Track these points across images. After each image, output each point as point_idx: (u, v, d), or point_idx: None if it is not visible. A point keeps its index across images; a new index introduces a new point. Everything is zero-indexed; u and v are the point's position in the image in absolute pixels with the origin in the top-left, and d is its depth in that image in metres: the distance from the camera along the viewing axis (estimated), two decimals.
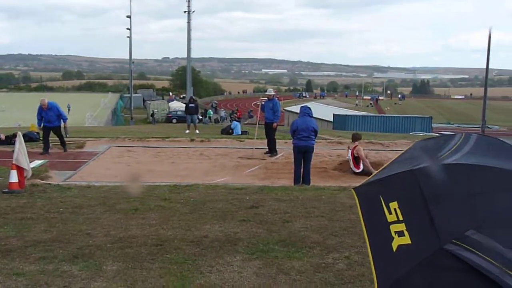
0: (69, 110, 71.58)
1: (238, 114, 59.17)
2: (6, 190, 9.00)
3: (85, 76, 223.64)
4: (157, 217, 7.25)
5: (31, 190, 9.13)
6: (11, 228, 6.65)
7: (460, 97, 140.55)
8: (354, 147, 12.29)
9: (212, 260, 5.49)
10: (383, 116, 48.81)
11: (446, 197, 1.32)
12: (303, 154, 10.80)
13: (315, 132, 10.96)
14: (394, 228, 1.36)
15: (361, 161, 12.06)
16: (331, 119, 42.71)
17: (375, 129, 35.74)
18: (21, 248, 5.82)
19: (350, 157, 12.20)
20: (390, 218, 1.39)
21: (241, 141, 17.85)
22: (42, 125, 14.43)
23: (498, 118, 67.81)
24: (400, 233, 1.33)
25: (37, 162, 12.13)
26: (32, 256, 5.54)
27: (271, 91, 15.98)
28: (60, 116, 14.54)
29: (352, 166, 12.13)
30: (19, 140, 9.62)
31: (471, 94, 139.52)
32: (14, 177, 9.15)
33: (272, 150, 14.42)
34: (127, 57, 51.93)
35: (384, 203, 1.43)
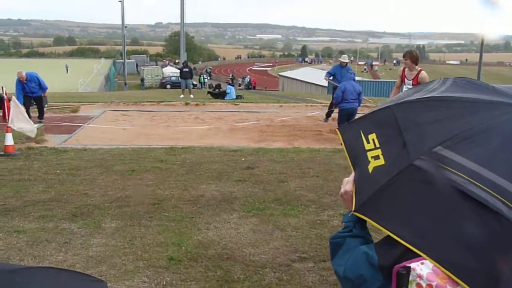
0: (67, 70, 71.27)
1: (254, 83, 58.08)
2: (2, 152, 9.01)
3: (77, 42, 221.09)
4: (153, 178, 7.32)
5: (27, 153, 9.15)
6: (9, 189, 6.70)
7: (455, 62, 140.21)
8: (419, 72, 8.81)
9: (209, 217, 5.58)
10: (378, 81, 48.70)
11: (418, 124, 1.43)
12: (348, 116, 11.16)
13: (360, 95, 11.46)
14: (370, 154, 1.46)
15: None
16: (326, 84, 42.55)
17: (370, 94, 35.67)
18: (20, 207, 5.88)
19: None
20: (368, 146, 1.50)
21: (236, 105, 17.85)
22: (23, 96, 13.15)
23: (493, 84, 67.78)
24: (376, 157, 1.44)
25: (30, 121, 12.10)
26: (32, 215, 5.61)
27: (345, 58, 14.79)
28: (41, 86, 13.75)
29: None
30: (14, 104, 9.59)
31: (466, 60, 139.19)
32: (9, 140, 9.16)
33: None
34: (120, 22, 51.07)
35: (364, 136, 1.53)
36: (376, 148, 1.44)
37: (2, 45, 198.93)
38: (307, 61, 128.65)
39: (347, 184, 1.58)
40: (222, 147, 9.89)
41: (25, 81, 13.29)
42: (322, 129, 12.62)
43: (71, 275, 1.60)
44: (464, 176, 1.24)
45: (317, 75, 47.81)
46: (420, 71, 8.63)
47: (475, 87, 1.60)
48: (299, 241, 4.93)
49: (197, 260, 4.43)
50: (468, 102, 1.45)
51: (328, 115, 14.01)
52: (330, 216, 5.70)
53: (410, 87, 8.29)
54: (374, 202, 1.37)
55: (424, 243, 1.24)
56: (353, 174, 1.54)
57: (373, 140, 1.47)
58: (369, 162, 1.43)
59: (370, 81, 49.46)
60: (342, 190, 1.61)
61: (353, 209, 1.44)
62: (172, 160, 8.58)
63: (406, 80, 8.70)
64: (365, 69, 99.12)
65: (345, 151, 1.61)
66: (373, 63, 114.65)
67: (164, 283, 4.01)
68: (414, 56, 8.75)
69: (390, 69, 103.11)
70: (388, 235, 1.37)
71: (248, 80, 59.48)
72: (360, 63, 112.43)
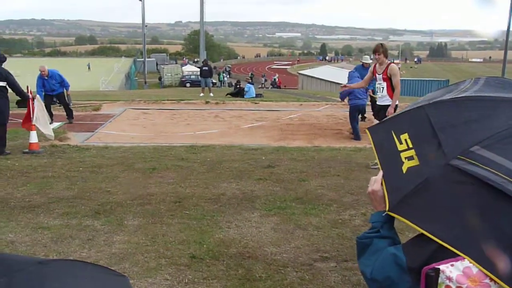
0: (89, 68, 72.19)
1: (279, 82, 57.77)
2: (27, 150, 9.16)
3: (98, 41, 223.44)
4: (174, 176, 7.36)
5: (51, 151, 9.30)
6: (34, 186, 6.81)
7: (478, 60, 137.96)
8: (388, 66, 8.09)
9: (230, 216, 5.60)
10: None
11: (453, 124, 1.43)
12: (359, 112, 11.60)
13: (366, 91, 11.78)
14: (404, 154, 1.47)
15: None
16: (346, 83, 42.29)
17: None
18: (45, 204, 5.97)
19: (382, 82, 8.08)
20: (401, 147, 1.50)
21: (255, 103, 17.86)
22: (43, 94, 12.74)
23: None
24: (410, 158, 1.44)
25: (55, 124, 12.27)
26: (56, 212, 5.69)
27: (367, 58, 13.70)
28: (62, 83, 13.34)
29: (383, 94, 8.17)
30: (39, 103, 9.72)
31: (490, 57, 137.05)
32: (34, 138, 9.30)
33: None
34: (140, 21, 51.43)
35: (395, 136, 1.54)
36: (409, 148, 1.44)
37: (26, 44, 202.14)
38: (327, 59, 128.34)
39: (375, 183, 1.57)
40: (242, 146, 9.91)
41: (46, 77, 13.02)
42: (343, 128, 12.56)
43: (96, 268, 1.64)
44: (503, 175, 1.23)
45: (336, 73, 47.63)
46: (389, 64, 8.12)
47: (508, 86, 1.58)
48: (321, 241, 4.92)
49: (218, 258, 4.45)
50: (503, 101, 1.44)
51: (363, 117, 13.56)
52: (351, 215, 5.67)
53: (381, 82, 7.97)
54: (408, 202, 1.37)
55: (463, 243, 1.23)
56: (380, 173, 1.53)
57: (405, 140, 1.47)
58: (403, 162, 1.43)
59: None
60: (370, 189, 1.60)
61: (386, 208, 1.43)
62: (193, 158, 8.62)
63: (376, 75, 8.13)
64: None
65: (375, 151, 1.61)
66: (394, 61, 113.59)
67: (186, 281, 4.03)
68: (387, 50, 8.27)
69: (411, 67, 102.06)
70: (416, 236, 1.36)
71: (274, 79, 59.29)
72: None
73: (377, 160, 1.59)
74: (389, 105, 7.93)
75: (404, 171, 1.42)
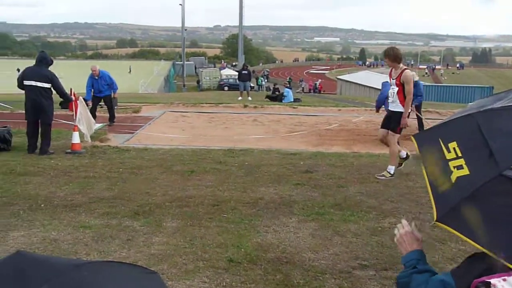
0: (130, 70, 73.68)
1: (320, 87, 57.70)
2: (69, 150, 9.38)
3: (139, 44, 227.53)
4: (213, 179, 7.39)
5: (92, 151, 9.49)
6: (76, 185, 6.96)
7: None
8: (402, 71, 7.66)
9: (268, 220, 5.58)
10: (440, 86, 47.28)
11: (505, 133, 1.38)
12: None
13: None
14: (453, 164, 1.42)
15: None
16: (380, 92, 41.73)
17: (431, 99, 34.72)
18: (86, 203, 6.09)
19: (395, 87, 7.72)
20: (449, 156, 1.45)
21: (294, 108, 17.81)
22: (92, 95, 13.08)
23: None
24: (459, 167, 1.39)
25: (96, 125, 12.53)
26: (97, 211, 5.79)
27: (414, 76, 11.95)
28: (111, 86, 13.37)
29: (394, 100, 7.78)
30: (81, 104, 9.94)
31: None
32: (76, 138, 9.52)
33: None
34: (179, 25, 52.21)
35: (443, 144, 1.49)
36: (458, 157, 1.40)
37: (69, 47, 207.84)
38: (367, 65, 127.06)
39: (405, 226, 1.58)
40: (280, 150, 9.89)
41: (96, 77, 13.11)
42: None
43: (130, 267, 1.69)
44: None
45: (375, 78, 47.04)
46: (403, 70, 7.70)
47: None
48: (360, 248, 4.84)
49: (256, 262, 4.43)
50: None
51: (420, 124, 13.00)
52: (391, 223, 5.56)
53: (394, 87, 7.66)
54: (458, 213, 1.32)
55: None
56: (406, 223, 1.54)
57: (454, 149, 1.42)
58: (452, 171, 1.38)
59: (432, 85, 48.12)
60: (399, 233, 1.62)
61: (434, 218, 1.40)
62: (231, 162, 8.65)
63: (391, 80, 7.84)
64: (426, 73, 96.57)
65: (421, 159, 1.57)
66: (435, 66, 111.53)
67: (224, 284, 4.03)
68: (390, 54, 7.76)
69: (453, 73, 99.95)
70: (464, 261, 1.32)
71: (315, 84, 59.22)
72: (421, 66, 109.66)
73: (422, 168, 1.56)
74: (399, 112, 7.71)
75: (453, 181, 1.37)
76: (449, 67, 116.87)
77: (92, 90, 13.21)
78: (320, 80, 62.89)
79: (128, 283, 1.45)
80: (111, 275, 1.47)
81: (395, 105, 7.77)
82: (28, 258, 1.35)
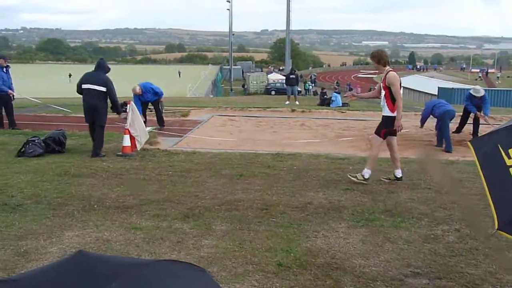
0: (180, 75, 75.18)
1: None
2: (120, 153, 9.60)
3: (187, 49, 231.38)
4: (261, 183, 7.40)
5: (142, 154, 9.67)
6: (127, 187, 7.10)
7: None
8: (386, 74, 7.43)
9: (317, 225, 5.53)
10: (494, 90, 45.73)
11: None
12: (451, 119, 11.64)
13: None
14: None
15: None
16: (435, 93, 40.80)
17: None
18: (137, 205, 6.21)
19: (383, 91, 7.53)
20: (510, 162, 1.39)
21: (342, 112, 17.64)
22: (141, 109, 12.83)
23: None
24: None
25: (147, 128, 12.77)
26: (147, 213, 5.89)
27: (478, 91, 12.54)
28: (157, 93, 13.59)
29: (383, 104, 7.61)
30: (131, 108, 10.15)
31: None
32: (127, 141, 9.73)
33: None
34: (227, 29, 52.89)
35: (503, 150, 1.43)
36: None
37: (119, 52, 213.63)
38: (418, 68, 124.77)
39: None
40: (329, 155, 9.79)
41: (140, 94, 13.37)
42: (433, 139, 12.07)
43: (181, 265, 1.73)
44: None
45: (425, 83, 46.04)
46: (388, 71, 7.39)
47: None
48: (412, 255, 4.72)
49: (306, 267, 4.39)
50: None
51: (476, 130, 12.59)
52: (444, 231, 5.41)
53: (382, 90, 7.45)
54: None
55: None
56: None
57: None
58: None
59: (485, 89, 46.66)
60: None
61: (496, 226, 1.34)
62: (279, 166, 8.63)
63: (380, 84, 7.64)
64: (479, 77, 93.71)
65: (478, 165, 1.51)
66: (489, 70, 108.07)
67: None
68: (374, 56, 7.55)
69: (508, 76, 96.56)
70: None
71: (370, 88, 58.82)
72: (473, 70, 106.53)
73: (480, 174, 1.50)
74: (386, 116, 7.49)
75: None
76: (503, 71, 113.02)
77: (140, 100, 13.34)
78: (372, 87, 62.42)
79: (192, 281, 1.47)
80: (175, 274, 1.49)
81: (384, 109, 7.60)
82: (90, 258, 1.38)
